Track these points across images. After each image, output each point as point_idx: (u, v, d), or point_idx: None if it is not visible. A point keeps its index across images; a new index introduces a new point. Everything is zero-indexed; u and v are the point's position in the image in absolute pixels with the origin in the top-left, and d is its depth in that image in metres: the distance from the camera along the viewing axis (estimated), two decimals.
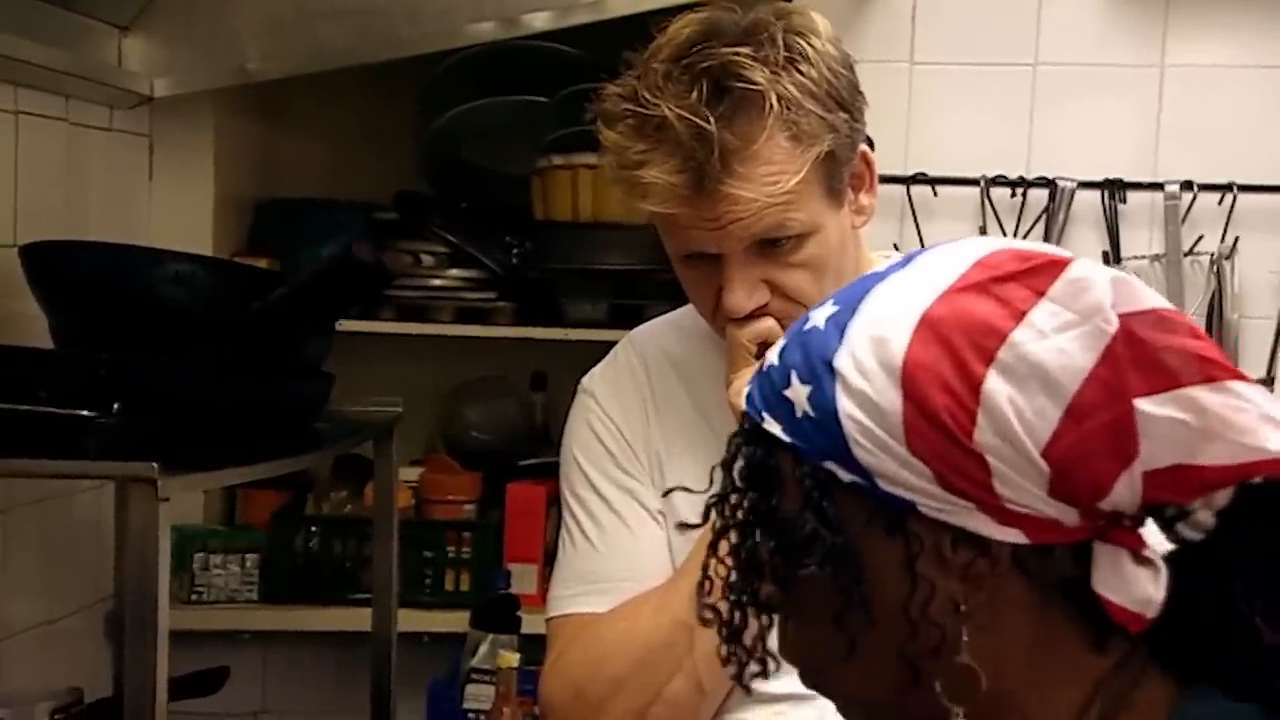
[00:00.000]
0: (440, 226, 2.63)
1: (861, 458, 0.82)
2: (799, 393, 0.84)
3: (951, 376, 0.80)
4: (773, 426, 0.86)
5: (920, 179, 2.30)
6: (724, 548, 0.90)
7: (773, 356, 0.88)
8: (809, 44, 1.27)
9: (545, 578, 2.12)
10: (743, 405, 1.29)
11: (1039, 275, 0.82)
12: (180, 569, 2.44)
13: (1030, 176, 2.30)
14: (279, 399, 1.67)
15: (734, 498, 0.88)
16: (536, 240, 2.58)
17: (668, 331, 1.49)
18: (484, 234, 2.65)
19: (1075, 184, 2.29)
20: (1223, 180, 2.26)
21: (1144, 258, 2.30)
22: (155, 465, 1.33)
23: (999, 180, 2.30)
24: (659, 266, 2.41)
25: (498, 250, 2.63)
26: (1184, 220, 2.27)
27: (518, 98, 2.58)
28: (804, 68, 1.26)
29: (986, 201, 2.31)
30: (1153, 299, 0.83)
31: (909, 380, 0.81)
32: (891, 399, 0.81)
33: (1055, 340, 0.80)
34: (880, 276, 0.86)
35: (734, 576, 0.89)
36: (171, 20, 2.30)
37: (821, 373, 0.84)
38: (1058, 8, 2.31)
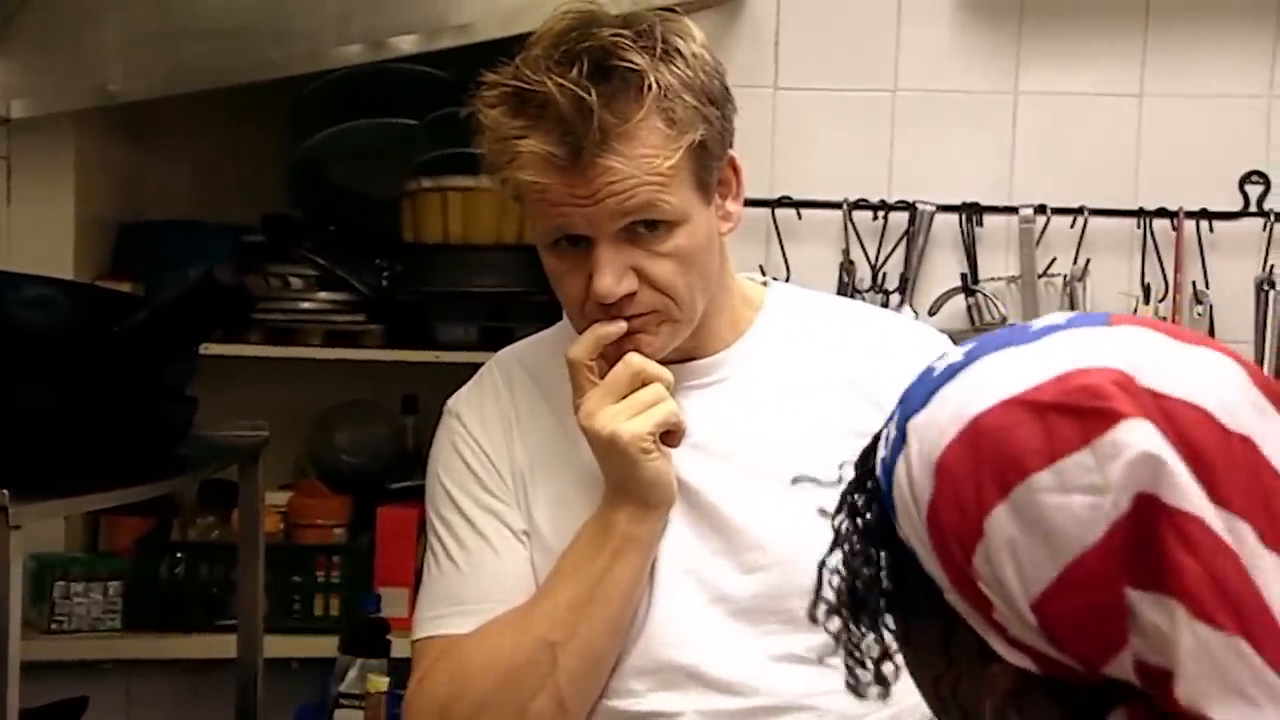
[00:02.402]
0: (309, 249, 2.62)
1: (901, 529, 0.81)
2: (890, 433, 0.83)
3: (968, 496, 0.77)
4: (879, 452, 0.85)
5: (785, 202, 2.34)
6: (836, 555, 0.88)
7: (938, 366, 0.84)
8: (685, 44, 1.30)
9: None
10: (596, 427, 1.31)
11: (1097, 419, 0.75)
12: (39, 598, 2.39)
13: (891, 200, 2.36)
14: (140, 423, 1.65)
15: (859, 499, 0.87)
16: (406, 263, 2.58)
17: (534, 351, 1.50)
18: (353, 257, 2.64)
19: (934, 208, 2.35)
20: (1075, 204, 2.34)
21: (1000, 279, 2.36)
22: (6, 492, 1.30)
23: (861, 204, 2.35)
24: (530, 289, 2.45)
25: (367, 273, 2.62)
26: (1038, 243, 2.34)
27: (386, 120, 2.58)
28: (679, 63, 1.29)
29: (849, 224, 2.35)
30: (1196, 503, 0.74)
31: (939, 479, 0.79)
32: (924, 489, 0.80)
33: (1071, 499, 0.75)
34: (1000, 342, 0.82)
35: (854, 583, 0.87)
36: (30, 40, 2.27)
37: (902, 427, 0.82)
38: (915, 36, 2.37)
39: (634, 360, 1.32)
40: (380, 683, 2.12)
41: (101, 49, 2.29)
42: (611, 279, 1.30)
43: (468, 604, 1.37)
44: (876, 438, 0.87)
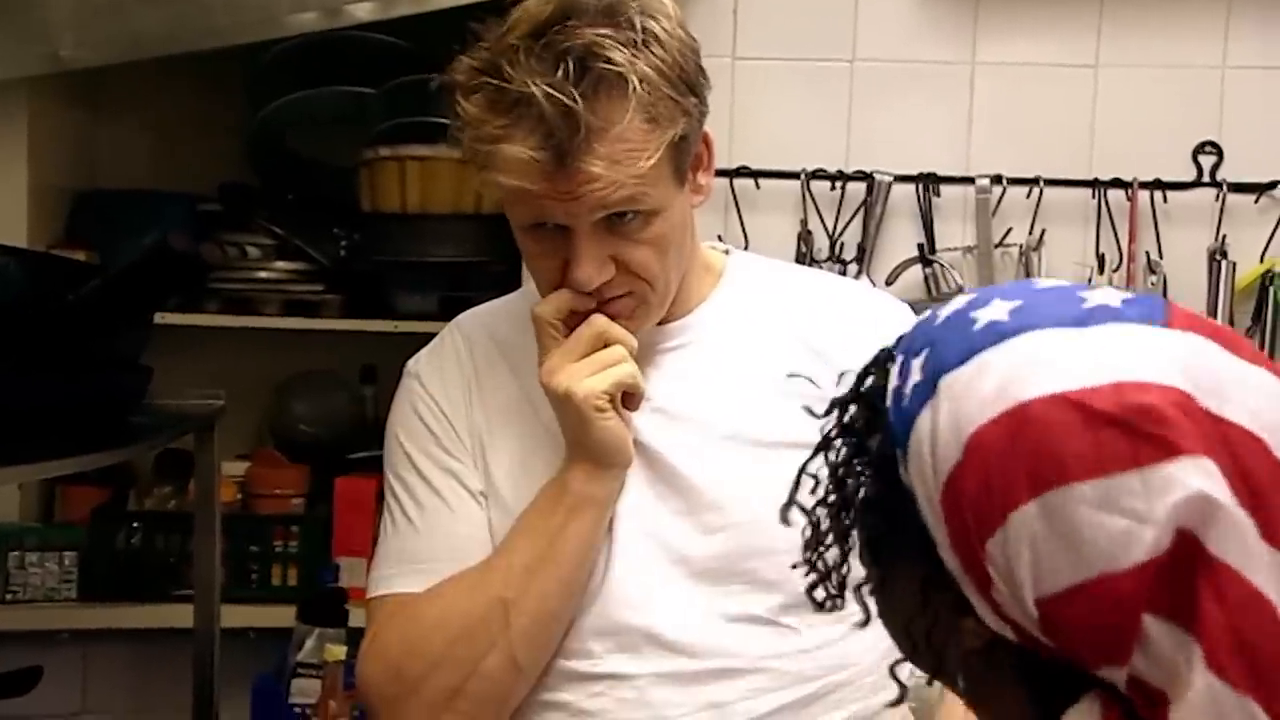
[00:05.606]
0: (266, 218, 2.61)
1: (908, 475, 0.80)
2: (915, 372, 0.81)
3: (998, 483, 0.75)
4: (891, 379, 0.83)
5: (743, 172, 2.35)
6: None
7: (947, 309, 0.83)
8: (661, 26, 1.29)
9: None
10: (553, 384, 1.32)
11: (1153, 446, 0.73)
12: None
13: (849, 170, 2.36)
14: (93, 392, 1.64)
15: (858, 417, 0.85)
16: (364, 232, 2.57)
17: (494, 316, 1.50)
18: (311, 226, 2.63)
19: (892, 178, 2.36)
20: (1030, 175, 2.35)
21: (957, 249, 2.38)
22: None
23: (819, 174, 2.36)
24: (488, 258, 2.45)
25: (325, 242, 2.60)
26: (994, 213, 2.35)
27: (344, 88, 2.57)
28: (657, 50, 1.27)
29: (807, 194, 2.36)
30: (1238, 552, 0.73)
31: (970, 453, 0.76)
32: (950, 456, 0.77)
33: (1110, 519, 0.73)
34: (1051, 316, 0.79)
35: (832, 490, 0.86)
36: None
37: (933, 378, 0.79)
38: (873, 6, 2.37)
39: (598, 321, 1.33)
40: (338, 652, 2.12)
41: (53, 15, 2.26)
42: (590, 269, 1.30)
43: (421, 562, 1.38)
44: (882, 362, 0.85)
